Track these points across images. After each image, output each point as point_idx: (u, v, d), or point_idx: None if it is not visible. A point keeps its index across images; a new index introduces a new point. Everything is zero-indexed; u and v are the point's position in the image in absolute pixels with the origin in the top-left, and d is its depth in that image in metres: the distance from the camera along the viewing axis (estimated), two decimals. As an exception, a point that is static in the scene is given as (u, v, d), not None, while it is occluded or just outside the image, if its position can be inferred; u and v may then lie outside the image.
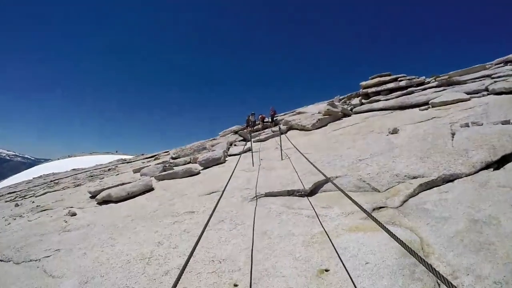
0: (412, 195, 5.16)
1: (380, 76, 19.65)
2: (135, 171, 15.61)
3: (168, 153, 23.37)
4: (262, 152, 13.00)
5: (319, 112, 19.02)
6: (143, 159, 26.88)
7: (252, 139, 18.46)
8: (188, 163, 15.10)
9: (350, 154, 7.99)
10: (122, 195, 9.15)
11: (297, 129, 17.23)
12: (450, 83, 16.41)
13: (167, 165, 14.62)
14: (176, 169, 12.04)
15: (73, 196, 11.73)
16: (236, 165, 8.39)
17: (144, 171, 13.64)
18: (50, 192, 14.86)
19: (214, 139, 21.05)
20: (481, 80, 15.30)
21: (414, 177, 5.63)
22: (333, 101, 21.88)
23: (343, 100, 21.42)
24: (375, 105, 16.71)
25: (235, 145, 18.13)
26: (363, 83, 20.29)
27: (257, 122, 23.27)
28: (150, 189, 9.84)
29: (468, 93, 13.00)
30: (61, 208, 9.50)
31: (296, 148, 7.65)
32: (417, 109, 14.00)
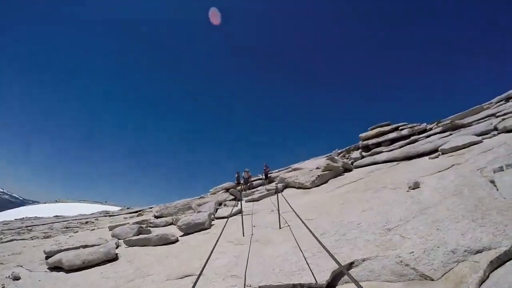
0: (483, 280, 3.36)
1: (380, 127, 18.58)
2: (111, 228, 13.69)
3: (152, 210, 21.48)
4: (256, 215, 11.23)
5: (317, 168, 17.48)
6: (126, 213, 25.07)
7: (245, 198, 16.64)
8: (170, 224, 13.37)
9: (370, 219, 6.13)
10: (76, 263, 7.63)
11: (294, 187, 15.48)
12: (455, 127, 15.33)
13: (144, 225, 12.75)
14: (151, 234, 10.32)
15: (32, 252, 10.81)
16: (221, 234, 6.57)
17: (116, 232, 11.80)
18: (16, 240, 14.01)
19: (202, 197, 18.99)
20: (486, 120, 14.60)
21: (478, 251, 3.82)
22: (331, 155, 20.51)
23: (342, 154, 20.06)
24: (378, 158, 15.27)
25: (225, 205, 16.18)
26: (363, 134, 19.12)
27: (250, 179, 21.68)
28: (113, 258, 8.11)
29: (477, 135, 11.94)
30: (11, 265, 8.80)
31: (296, 214, 5.77)
32: (425, 158, 12.70)
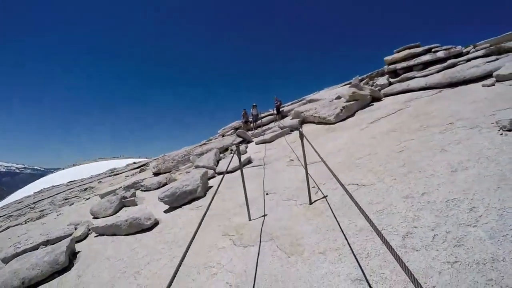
0: None
1: (409, 48, 15.78)
2: (103, 196, 11.68)
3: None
4: (268, 167, 8.87)
5: (337, 98, 15.24)
6: (131, 169, 23.65)
7: (255, 139, 14.72)
8: (163, 185, 10.85)
9: (488, 194, 3.56)
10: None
11: (313, 122, 13.35)
12: (501, 51, 12.75)
13: (133, 191, 10.65)
14: (119, 219, 6.80)
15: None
16: (203, 219, 4.55)
17: (94, 209, 9.34)
18: (11, 226, 12.02)
19: (205, 143, 17.02)
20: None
21: None
22: (352, 82, 18.03)
23: (364, 81, 17.54)
24: (413, 84, 12.85)
25: (231, 150, 13.70)
26: (388, 57, 16.35)
27: (259, 116, 19.65)
28: (63, 268, 5.47)
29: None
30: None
31: (334, 174, 3.12)
32: (476, 85, 10.47)
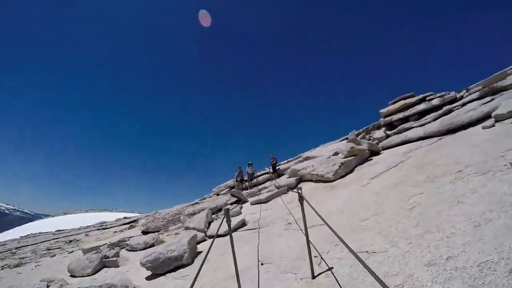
0: None
1: (404, 99, 15.80)
2: (86, 251, 10.76)
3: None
4: (264, 231, 8.09)
5: (334, 154, 14.79)
6: (121, 224, 22.79)
7: (250, 199, 13.93)
8: (150, 246, 10.00)
9: None
10: None
11: (311, 180, 12.71)
12: (495, 91, 12.69)
13: (117, 249, 9.95)
14: (94, 282, 6.24)
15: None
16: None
17: (71, 266, 8.69)
18: None
19: (197, 202, 16.03)
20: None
21: None
22: (348, 138, 17.78)
23: (361, 135, 17.28)
24: (411, 134, 12.52)
25: (225, 210, 12.84)
26: (384, 110, 16.31)
27: (255, 174, 19.06)
28: None
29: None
30: None
31: (338, 237, 2.75)
32: (476, 128, 10.29)
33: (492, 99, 11.86)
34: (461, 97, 14.50)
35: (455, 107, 13.21)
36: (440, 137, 11.18)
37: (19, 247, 20.21)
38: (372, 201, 6.76)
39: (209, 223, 10.87)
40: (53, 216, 61.56)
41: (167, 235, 10.93)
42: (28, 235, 32.50)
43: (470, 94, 14.06)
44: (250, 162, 18.61)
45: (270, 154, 18.96)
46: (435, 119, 12.85)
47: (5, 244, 25.17)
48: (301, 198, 4.61)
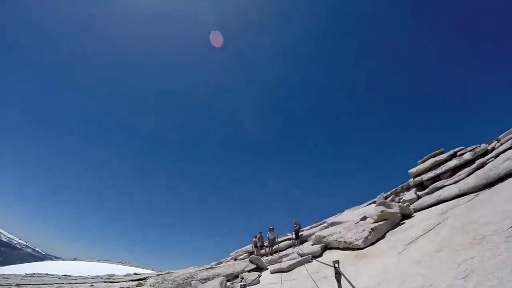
0: None
1: (434, 156, 14.95)
2: None
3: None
4: None
5: (362, 218, 13.66)
6: (129, 280, 20.89)
7: (270, 267, 12.62)
8: None
9: None
10: None
11: (337, 248, 11.51)
12: None
13: None
14: None
15: None
16: None
17: None
18: None
19: (212, 266, 14.54)
20: None
21: None
22: (376, 201, 16.66)
23: (390, 198, 16.16)
24: (445, 193, 11.47)
25: (242, 278, 11.50)
26: (413, 170, 15.36)
27: (276, 240, 17.78)
28: None
29: None
30: None
31: None
32: None
33: None
34: (493, 148, 13.60)
35: (488, 159, 12.29)
36: (477, 193, 10.16)
37: (20, 284, 19.12)
38: (415, 272, 5.72)
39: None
40: (63, 260, 59.79)
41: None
42: (34, 274, 31.87)
43: (501, 144, 13.20)
44: (271, 227, 17.55)
45: (293, 218, 17.89)
46: (469, 175, 11.89)
47: (8, 278, 24.03)
48: (338, 274, 3.78)
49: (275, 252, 16.96)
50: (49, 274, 32.22)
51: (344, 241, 11.04)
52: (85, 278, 28.42)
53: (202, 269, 13.06)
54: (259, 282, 10.52)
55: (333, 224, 15.68)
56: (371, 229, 10.55)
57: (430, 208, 11.48)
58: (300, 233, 17.77)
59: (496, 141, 14.49)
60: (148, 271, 38.72)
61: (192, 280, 11.57)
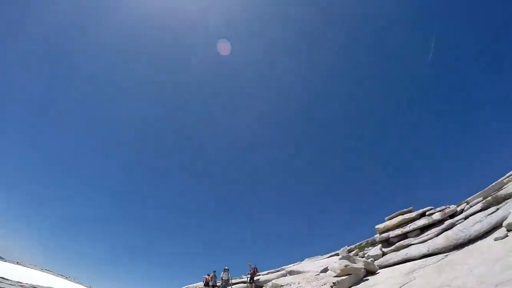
0: None
1: (402, 214, 14.47)
2: None
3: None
4: None
5: (323, 271, 12.61)
6: None
7: None
8: None
9: None
10: None
11: (296, 301, 10.39)
12: (499, 200, 11.72)
13: None
14: None
15: None
16: None
17: None
18: None
19: None
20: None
21: None
22: (339, 253, 15.67)
23: (354, 252, 15.25)
24: (412, 251, 10.84)
25: None
26: (380, 226, 14.72)
27: (230, 281, 16.30)
28: None
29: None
30: None
31: None
32: (485, 241, 9.16)
33: (497, 209, 11.03)
34: (462, 210, 13.43)
35: (457, 220, 12.06)
36: (446, 254, 9.58)
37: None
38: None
39: None
40: (5, 261, 53.29)
41: None
42: None
43: (471, 206, 13.02)
44: (226, 267, 16.17)
45: (249, 263, 16.58)
46: (438, 235, 11.46)
47: None
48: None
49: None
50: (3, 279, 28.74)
51: (304, 294, 9.92)
52: (21, 285, 25.89)
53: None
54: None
55: (291, 272, 14.48)
56: (333, 283, 9.56)
57: (396, 266, 10.78)
58: (255, 278, 16.48)
59: (465, 203, 14.36)
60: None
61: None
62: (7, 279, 27.10)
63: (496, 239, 8.27)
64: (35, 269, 52.88)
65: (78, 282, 53.10)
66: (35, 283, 30.49)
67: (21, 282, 27.41)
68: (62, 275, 57.10)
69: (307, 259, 19.14)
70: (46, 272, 53.73)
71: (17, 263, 56.57)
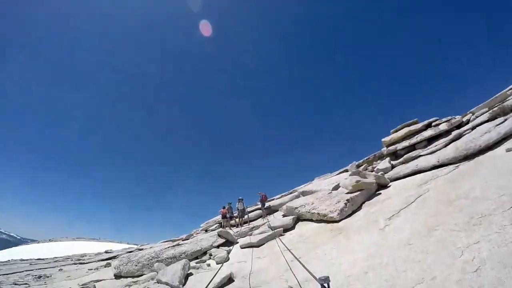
0: None
1: (408, 126, 14.51)
2: None
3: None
4: None
5: (334, 188, 13.10)
6: (99, 260, 19.67)
7: (240, 240, 11.92)
8: None
9: None
10: None
11: (310, 219, 10.96)
12: (506, 111, 11.66)
13: None
14: None
15: None
16: None
17: None
18: None
19: (178, 243, 13.29)
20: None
21: None
22: (348, 170, 16.19)
23: (363, 167, 15.73)
24: (422, 163, 11.02)
25: (210, 255, 10.89)
26: (387, 138, 14.89)
27: (246, 211, 17.32)
28: None
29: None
30: None
31: None
32: (497, 151, 9.03)
33: (505, 119, 10.83)
34: (468, 121, 13.37)
35: (465, 131, 12.03)
36: (457, 165, 9.73)
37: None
38: (407, 257, 4.97)
39: (187, 277, 8.57)
40: (39, 243, 57.96)
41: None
42: (8, 261, 29.64)
43: (477, 116, 12.96)
44: (240, 198, 16.84)
45: (259, 192, 17.25)
46: (446, 145, 11.49)
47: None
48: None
49: (245, 222, 16.39)
50: (23, 260, 30.14)
51: (318, 213, 10.40)
52: (56, 260, 26.82)
53: (168, 247, 12.04)
54: (228, 259, 9.68)
55: (304, 193, 15.08)
56: (347, 200, 9.91)
57: (407, 178, 11.00)
58: (268, 203, 17.32)
59: (470, 113, 14.30)
60: (121, 247, 37.44)
61: (156, 260, 10.61)
62: (43, 259, 28.45)
63: (508, 150, 8.32)
64: (67, 241, 55.68)
65: (109, 241, 56.56)
66: (70, 253, 32.14)
67: (56, 257, 28.83)
68: (93, 239, 60.70)
69: (317, 178, 19.74)
70: (78, 240, 56.81)
71: (50, 240, 59.49)
